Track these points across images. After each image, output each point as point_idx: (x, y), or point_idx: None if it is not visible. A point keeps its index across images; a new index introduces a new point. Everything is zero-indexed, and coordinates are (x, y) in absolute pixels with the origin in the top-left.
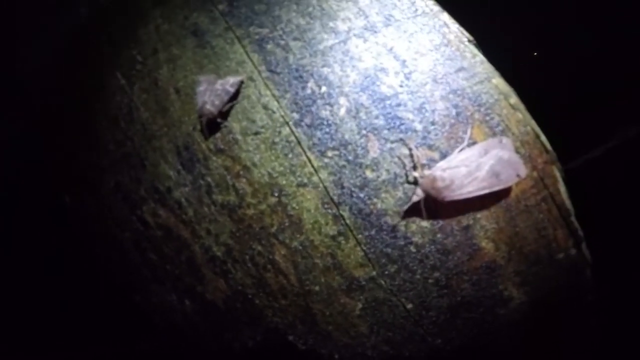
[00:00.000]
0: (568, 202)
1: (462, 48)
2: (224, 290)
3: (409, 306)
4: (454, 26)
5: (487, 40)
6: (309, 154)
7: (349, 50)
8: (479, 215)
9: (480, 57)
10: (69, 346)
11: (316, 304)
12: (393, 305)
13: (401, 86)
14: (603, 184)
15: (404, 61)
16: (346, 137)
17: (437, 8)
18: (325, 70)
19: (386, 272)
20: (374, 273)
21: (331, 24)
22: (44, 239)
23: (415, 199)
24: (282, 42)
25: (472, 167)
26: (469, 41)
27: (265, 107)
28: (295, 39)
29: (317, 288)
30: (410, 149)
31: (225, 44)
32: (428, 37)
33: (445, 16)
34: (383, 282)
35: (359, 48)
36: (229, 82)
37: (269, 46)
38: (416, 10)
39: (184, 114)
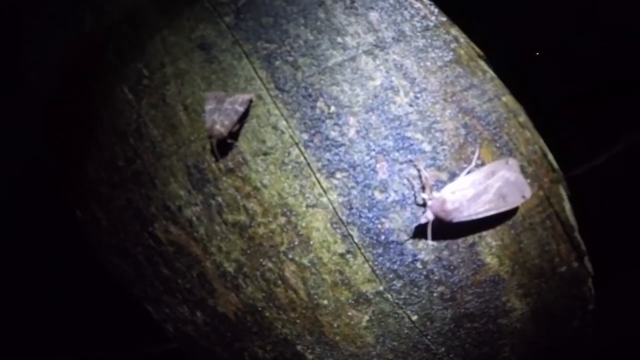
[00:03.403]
0: (572, 219)
1: (472, 65)
2: (235, 303)
3: (414, 318)
4: (464, 41)
5: (485, 41)
6: (318, 175)
7: (359, 68)
8: (484, 233)
9: (490, 73)
10: (72, 349)
11: (324, 317)
12: (399, 317)
13: (411, 105)
14: (606, 192)
15: (414, 79)
16: (355, 158)
17: (447, 21)
18: (335, 89)
19: (393, 287)
20: (381, 288)
21: (340, 40)
22: (54, 246)
23: (423, 220)
24: (291, 59)
25: (480, 189)
26: (479, 56)
27: (274, 127)
28: (303, 55)
29: (325, 302)
30: (419, 170)
31: (233, 59)
32: (438, 54)
33: (456, 30)
34: (390, 296)
35: (369, 66)
36: (238, 101)
37: (277, 62)
38: (427, 25)
39: (193, 132)
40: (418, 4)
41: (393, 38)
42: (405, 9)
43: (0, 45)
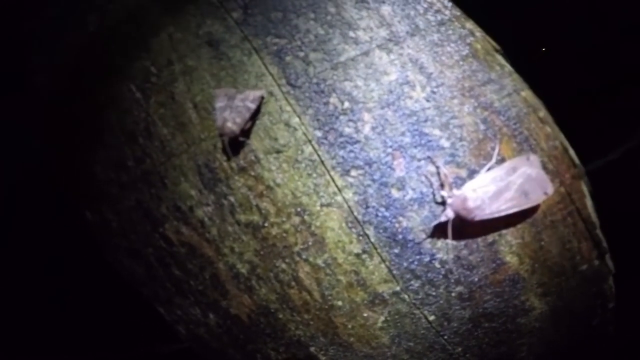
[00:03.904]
0: (594, 216)
1: (489, 59)
2: (249, 305)
3: (431, 318)
4: (480, 35)
5: (497, 37)
6: (332, 173)
7: (373, 63)
8: (504, 231)
9: (508, 67)
10: (80, 349)
11: (339, 318)
12: (416, 317)
13: (428, 100)
14: (622, 187)
15: (430, 74)
16: (371, 155)
17: (461, 15)
18: (348, 84)
19: (410, 287)
20: (398, 288)
21: (352, 34)
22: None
23: (444, 219)
24: (302, 54)
25: (502, 186)
26: (496, 51)
27: (286, 124)
28: (314, 50)
29: (340, 303)
30: (437, 167)
31: (243, 55)
32: (454, 48)
33: (471, 24)
34: (406, 297)
35: (383, 60)
36: (249, 98)
37: (288, 58)
38: (441, 19)
39: (204, 130)
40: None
41: (407, 32)
42: (419, 2)
43: (2, 46)
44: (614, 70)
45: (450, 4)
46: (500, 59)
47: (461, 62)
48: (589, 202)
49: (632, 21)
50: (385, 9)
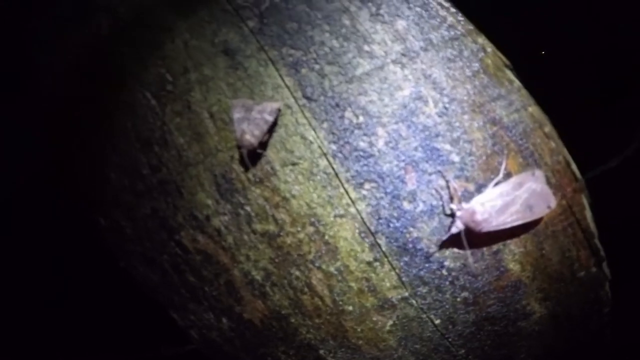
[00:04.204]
0: (593, 226)
1: (499, 74)
2: (262, 310)
3: (437, 321)
4: (491, 50)
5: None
6: (346, 186)
7: (387, 78)
8: (508, 241)
9: (517, 83)
10: (86, 352)
11: (348, 322)
12: (422, 321)
13: (440, 116)
14: (621, 195)
15: (443, 89)
16: (384, 169)
17: (474, 30)
18: (363, 98)
19: (418, 293)
20: (407, 294)
21: (366, 48)
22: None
23: (454, 230)
24: (317, 67)
25: (508, 200)
26: (506, 66)
27: (302, 137)
28: (329, 63)
29: (350, 308)
30: (447, 181)
31: (259, 66)
32: (466, 63)
33: (482, 39)
34: (414, 302)
35: (397, 75)
36: (267, 110)
37: (303, 70)
38: (454, 34)
39: (220, 140)
40: (444, 12)
41: (421, 47)
42: (432, 17)
43: (8, 46)
44: (615, 73)
45: (463, 19)
46: (509, 74)
47: (472, 78)
48: (588, 213)
49: (627, 23)
50: (400, 23)
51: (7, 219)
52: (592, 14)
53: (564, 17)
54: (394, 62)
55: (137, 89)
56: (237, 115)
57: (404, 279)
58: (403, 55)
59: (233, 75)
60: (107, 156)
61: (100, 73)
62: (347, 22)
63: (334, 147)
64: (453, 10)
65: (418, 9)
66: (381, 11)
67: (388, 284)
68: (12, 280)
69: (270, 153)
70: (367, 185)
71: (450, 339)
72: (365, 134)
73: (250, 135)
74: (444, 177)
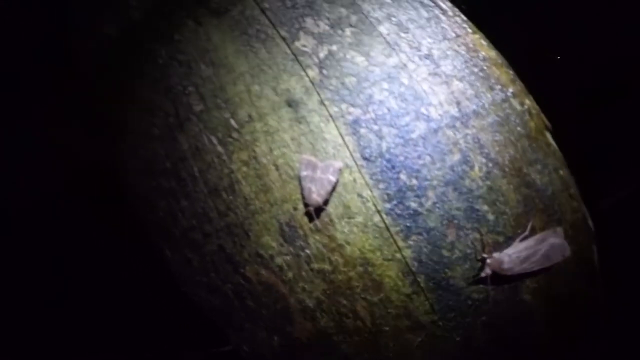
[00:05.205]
0: (597, 264)
1: (540, 138)
2: (310, 330)
3: (458, 339)
4: (536, 112)
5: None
6: (395, 237)
7: (440, 142)
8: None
9: (553, 146)
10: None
11: (383, 339)
12: (446, 339)
13: (482, 180)
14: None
15: (488, 154)
16: (430, 225)
17: (522, 90)
18: (417, 162)
19: (446, 317)
20: (436, 318)
21: (424, 110)
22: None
23: (483, 275)
24: (375, 128)
25: (530, 252)
26: (547, 129)
27: (359, 195)
28: (388, 125)
29: (387, 328)
30: (481, 235)
31: (321, 121)
32: (512, 127)
33: (529, 100)
34: (441, 324)
35: (450, 140)
36: (330, 170)
37: (362, 130)
38: (505, 97)
39: (286, 193)
40: (497, 71)
41: (474, 111)
42: (487, 79)
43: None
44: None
45: (517, 80)
46: (549, 137)
47: (516, 142)
48: (595, 257)
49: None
50: (457, 85)
51: (7, 219)
52: (592, 14)
53: (564, 17)
54: (447, 125)
55: (203, 132)
56: (303, 173)
57: (435, 307)
58: (457, 119)
59: (297, 129)
60: (176, 199)
61: (162, 112)
62: (405, 81)
63: (387, 205)
64: (509, 70)
65: (476, 69)
66: (439, 69)
67: (422, 310)
68: (12, 280)
69: (329, 207)
70: (414, 237)
71: (466, 351)
72: (416, 196)
73: (317, 195)
74: (479, 232)
